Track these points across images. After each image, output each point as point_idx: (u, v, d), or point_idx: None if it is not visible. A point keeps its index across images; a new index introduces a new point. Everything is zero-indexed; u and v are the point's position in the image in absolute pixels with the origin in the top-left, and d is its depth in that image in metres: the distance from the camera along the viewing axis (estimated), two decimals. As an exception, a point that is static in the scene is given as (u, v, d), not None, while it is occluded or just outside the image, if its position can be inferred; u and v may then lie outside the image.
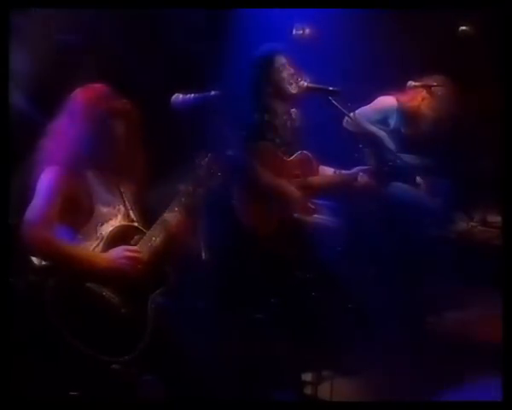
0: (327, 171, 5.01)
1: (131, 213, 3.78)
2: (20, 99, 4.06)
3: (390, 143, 5.42)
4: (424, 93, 5.51)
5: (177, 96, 4.20)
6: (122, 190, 3.81)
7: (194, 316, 4.04)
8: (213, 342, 4.42)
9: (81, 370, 3.29)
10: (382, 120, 5.51)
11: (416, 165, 5.39)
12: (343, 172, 4.99)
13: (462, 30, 5.01)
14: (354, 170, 4.94)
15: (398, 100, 5.59)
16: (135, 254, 3.53)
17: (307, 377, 4.32)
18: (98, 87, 3.75)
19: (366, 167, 4.92)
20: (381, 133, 5.46)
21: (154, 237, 3.65)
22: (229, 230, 4.61)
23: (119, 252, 3.51)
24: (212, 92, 4.23)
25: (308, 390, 4.26)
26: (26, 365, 3.31)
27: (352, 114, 4.93)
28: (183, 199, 3.77)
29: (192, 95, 4.19)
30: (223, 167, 3.91)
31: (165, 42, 5.39)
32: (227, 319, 4.64)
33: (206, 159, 3.91)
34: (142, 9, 5.06)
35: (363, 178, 4.88)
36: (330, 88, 4.79)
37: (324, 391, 4.20)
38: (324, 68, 5.38)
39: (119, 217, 3.71)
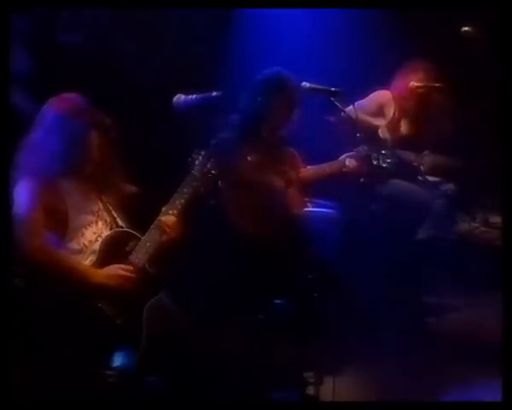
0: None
1: (119, 220, 3.74)
2: (20, 99, 4.06)
3: (387, 135, 5.43)
4: (419, 85, 5.55)
5: (179, 97, 4.21)
6: (104, 198, 3.77)
7: (196, 317, 4.04)
8: (215, 343, 4.43)
9: (78, 381, 3.29)
10: (379, 113, 5.51)
11: (416, 161, 5.39)
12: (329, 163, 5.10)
13: (463, 30, 4.99)
14: (341, 157, 5.06)
15: (393, 92, 5.63)
16: (128, 274, 3.50)
17: (309, 377, 4.30)
18: (72, 97, 3.71)
19: (352, 153, 5.03)
20: (379, 123, 5.47)
21: (149, 243, 3.60)
22: (229, 230, 4.62)
23: (113, 270, 3.48)
24: (214, 93, 4.24)
25: (310, 391, 4.24)
26: (27, 374, 3.30)
27: (351, 107, 5.00)
28: (177, 201, 3.72)
29: (194, 95, 4.20)
30: (217, 165, 3.89)
31: (166, 42, 5.40)
32: (229, 320, 4.64)
33: (200, 157, 3.88)
34: (143, 10, 5.07)
35: (351, 162, 4.99)
36: (332, 89, 4.82)
37: (326, 391, 4.18)
38: (324, 69, 5.41)
39: (100, 224, 3.66)
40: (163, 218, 3.67)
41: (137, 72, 5.11)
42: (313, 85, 4.83)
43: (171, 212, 3.69)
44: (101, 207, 3.73)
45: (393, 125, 5.57)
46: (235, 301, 4.61)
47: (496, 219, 6.29)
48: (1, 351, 3.01)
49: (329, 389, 4.14)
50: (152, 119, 4.97)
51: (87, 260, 3.53)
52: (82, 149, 3.64)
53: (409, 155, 5.41)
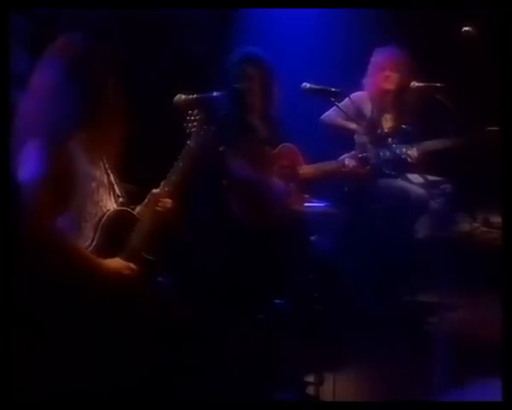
0: None
1: (116, 187, 3.55)
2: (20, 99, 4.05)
3: (369, 136, 5.42)
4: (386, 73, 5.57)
5: (180, 97, 4.23)
6: (105, 160, 3.54)
7: (197, 317, 4.03)
8: (216, 343, 4.43)
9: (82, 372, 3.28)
10: (359, 115, 5.50)
11: (404, 154, 5.38)
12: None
13: (463, 30, 4.99)
14: (341, 158, 5.17)
15: (367, 91, 5.65)
16: (131, 273, 3.35)
17: (310, 377, 4.30)
18: (78, 38, 3.46)
19: (351, 153, 5.19)
20: (358, 127, 5.47)
21: (147, 224, 3.46)
22: (231, 229, 4.63)
23: (118, 266, 3.33)
24: (215, 93, 4.26)
25: (310, 391, 4.24)
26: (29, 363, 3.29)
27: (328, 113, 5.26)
28: (172, 177, 3.60)
29: (194, 95, 4.21)
30: (208, 122, 3.79)
31: (166, 42, 5.41)
32: (229, 320, 4.65)
33: (198, 116, 3.78)
34: (143, 10, 5.08)
35: (350, 162, 5.12)
36: (332, 89, 4.84)
37: (327, 392, 4.18)
38: (324, 68, 5.43)
39: (101, 190, 3.45)
40: (156, 195, 3.56)
41: (137, 72, 5.11)
42: (313, 86, 4.84)
43: (166, 189, 3.58)
44: (103, 170, 3.52)
45: (374, 124, 5.57)
46: (235, 301, 4.62)
47: (496, 220, 6.30)
48: (1, 350, 3.01)
49: (330, 389, 4.14)
50: (152, 119, 4.98)
51: (87, 238, 3.36)
52: (98, 96, 3.38)
53: (396, 149, 5.40)
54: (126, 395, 3.36)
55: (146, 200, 3.59)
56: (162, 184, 3.62)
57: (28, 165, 3.22)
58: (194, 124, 3.78)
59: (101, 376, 3.29)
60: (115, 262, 3.36)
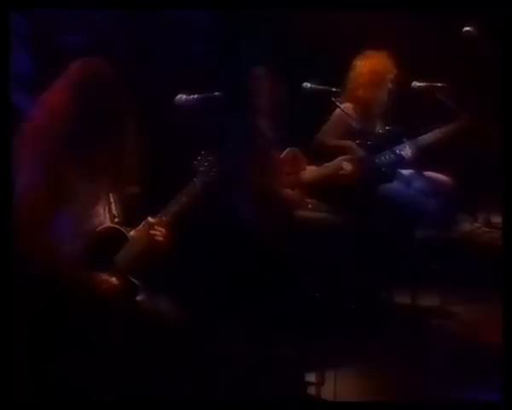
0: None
1: (113, 206, 3.55)
2: (20, 99, 4.06)
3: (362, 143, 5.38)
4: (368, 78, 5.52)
5: (181, 97, 4.24)
6: (108, 180, 3.56)
7: (197, 317, 4.04)
8: (216, 342, 4.44)
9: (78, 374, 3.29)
10: (348, 129, 5.43)
11: (399, 158, 5.35)
12: (326, 164, 5.17)
13: (464, 30, 4.99)
14: (336, 160, 5.14)
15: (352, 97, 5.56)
16: (113, 285, 3.37)
17: (311, 377, 4.30)
18: (102, 63, 3.50)
19: (347, 157, 5.18)
20: (352, 144, 5.44)
21: (136, 247, 3.48)
22: (232, 230, 4.64)
23: (101, 279, 3.34)
24: (216, 93, 4.27)
25: (311, 391, 4.24)
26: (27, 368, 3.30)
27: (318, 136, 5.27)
28: (172, 208, 3.60)
29: (195, 96, 4.22)
30: (218, 164, 3.78)
31: (166, 42, 5.41)
32: (230, 320, 4.65)
33: (209, 158, 3.77)
34: (145, 10, 5.09)
35: (347, 166, 5.09)
36: (333, 89, 4.85)
37: (328, 391, 4.18)
38: (324, 68, 5.44)
39: (98, 207, 3.48)
40: (152, 229, 3.53)
41: (138, 72, 5.12)
42: (315, 86, 4.86)
43: (164, 218, 3.57)
44: (104, 188, 3.55)
45: (364, 130, 5.50)
46: (236, 301, 4.62)
47: (498, 220, 6.29)
48: (1, 350, 3.02)
49: (331, 389, 4.14)
50: (152, 119, 4.99)
51: (74, 248, 3.37)
52: (103, 120, 3.42)
53: (391, 151, 5.37)
54: (119, 397, 3.37)
55: (141, 225, 3.57)
56: (160, 213, 3.60)
57: (27, 171, 3.29)
58: (205, 164, 3.76)
59: (95, 377, 3.31)
60: (98, 278, 3.36)
